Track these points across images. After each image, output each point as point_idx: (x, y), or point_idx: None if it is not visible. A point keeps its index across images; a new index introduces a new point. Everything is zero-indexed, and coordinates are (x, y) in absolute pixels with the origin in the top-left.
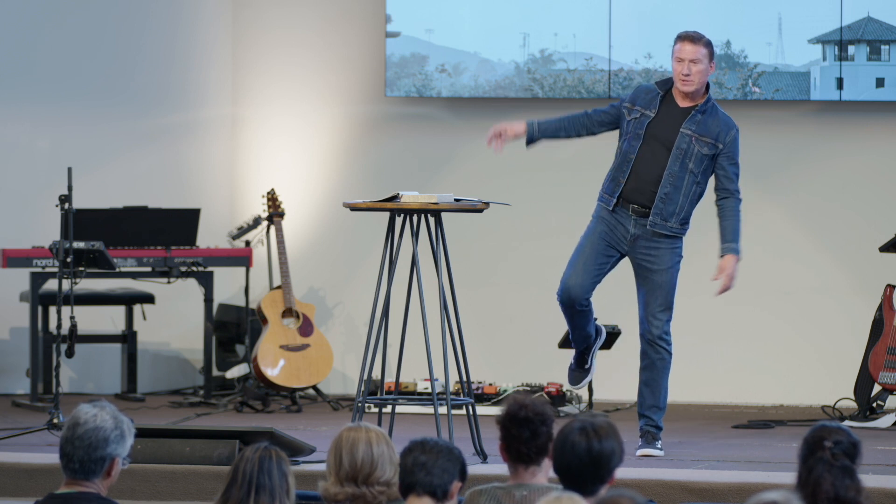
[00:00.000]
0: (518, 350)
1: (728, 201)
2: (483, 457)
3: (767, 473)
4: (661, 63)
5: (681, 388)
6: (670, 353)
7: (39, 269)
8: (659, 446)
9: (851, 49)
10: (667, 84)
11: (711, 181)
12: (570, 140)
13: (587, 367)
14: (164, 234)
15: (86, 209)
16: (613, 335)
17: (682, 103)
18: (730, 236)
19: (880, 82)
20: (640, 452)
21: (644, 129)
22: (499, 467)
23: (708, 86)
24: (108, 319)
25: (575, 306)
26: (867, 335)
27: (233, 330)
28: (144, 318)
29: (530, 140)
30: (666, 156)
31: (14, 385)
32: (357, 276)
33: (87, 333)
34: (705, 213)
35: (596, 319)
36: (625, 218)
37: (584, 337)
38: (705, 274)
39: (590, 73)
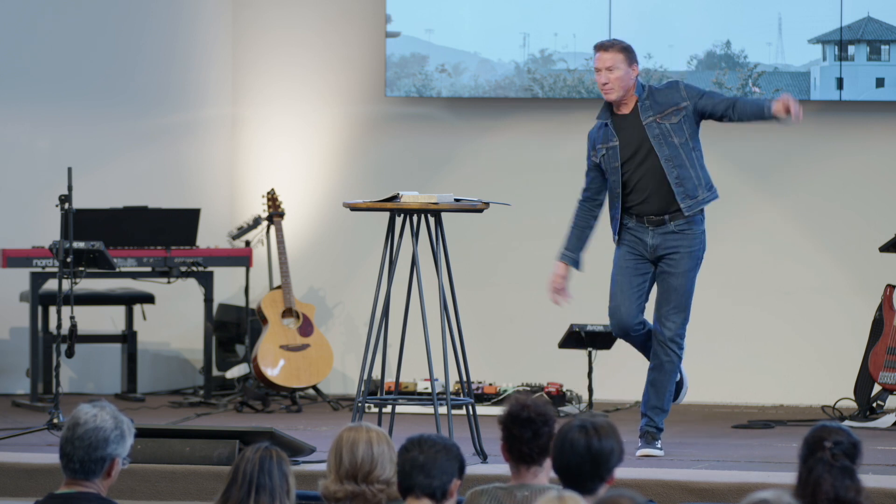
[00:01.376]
0: (518, 350)
1: (736, 102)
2: (483, 457)
3: (767, 473)
4: (660, 63)
5: None
6: (680, 357)
7: (39, 269)
8: (659, 446)
9: (851, 49)
10: (605, 110)
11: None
12: (597, 225)
13: (678, 380)
14: (164, 234)
15: (86, 209)
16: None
17: (627, 109)
18: (762, 98)
19: (880, 82)
20: (640, 452)
21: (618, 159)
22: (499, 467)
23: (634, 83)
24: (108, 319)
25: (630, 333)
26: (867, 335)
27: (233, 330)
28: (144, 318)
29: (577, 264)
30: (652, 155)
31: (14, 385)
32: (357, 276)
33: (87, 333)
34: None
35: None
36: (642, 232)
37: None
38: (706, 271)
39: (590, 73)
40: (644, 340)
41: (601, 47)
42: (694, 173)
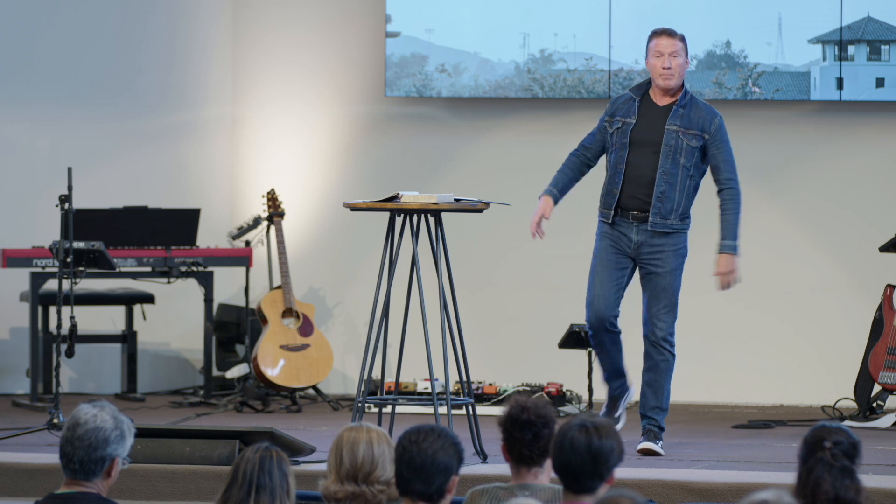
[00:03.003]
0: (518, 350)
1: (726, 193)
2: (483, 457)
3: (767, 473)
4: None
5: (681, 388)
6: (674, 356)
7: (39, 269)
8: (660, 445)
9: (851, 49)
10: (641, 88)
11: (707, 176)
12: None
13: (617, 415)
14: (164, 234)
15: (86, 209)
16: None
17: (662, 102)
18: (725, 232)
19: (880, 82)
20: (640, 446)
21: (629, 137)
22: (499, 467)
23: (683, 81)
24: (108, 319)
25: (605, 325)
26: (867, 335)
27: (233, 330)
28: (144, 318)
29: (557, 201)
30: (656, 156)
31: (14, 385)
32: (357, 276)
33: (87, 333)
34: (708, 212)
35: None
36: (626, 227)
37: (615, 371)
38: (706, 273)
39: (590, 73)
40: (614, 349)
41: (666, 33)
42: (677, 198)
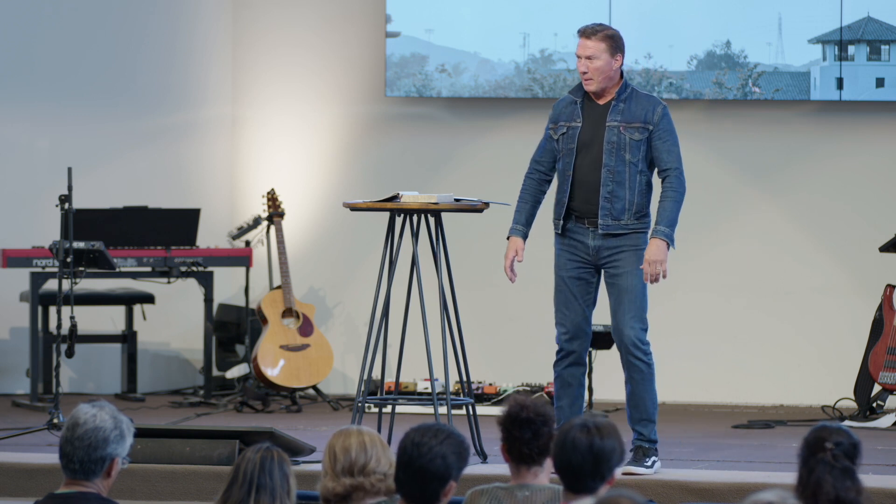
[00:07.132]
0: (518, 350)
1: (667, 181)
2: (483, 457)
3: (767, 473)
4: (660, 63)
5: (681, 388)
6: (649, 364)
7: (39, 269)
8: (649, 464)
9: (851, 49)
10: (581, 89)
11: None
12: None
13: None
14: (164, 234)
15: (86, 209)
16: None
17: (601, 100)
18: (660, 217)
19: (880, 82)
20: (622, 469)
21: (576, 141)
22: (499, 467)
23: (622, 75)
24: (108, 319)
25: (577, 345)
26: (867, 335)
27: (233, 330)
28: (144, 318)
29: (526, 239)
30: (600, 158)
31: (14, 385)
32: (357, 276)
33: (87, 333)
34: (705, 208)
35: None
36: (582, 234)
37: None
38: (706, 272)
39: None
40: (573, 380)
41: (584, 33)
42: (629, 196)
